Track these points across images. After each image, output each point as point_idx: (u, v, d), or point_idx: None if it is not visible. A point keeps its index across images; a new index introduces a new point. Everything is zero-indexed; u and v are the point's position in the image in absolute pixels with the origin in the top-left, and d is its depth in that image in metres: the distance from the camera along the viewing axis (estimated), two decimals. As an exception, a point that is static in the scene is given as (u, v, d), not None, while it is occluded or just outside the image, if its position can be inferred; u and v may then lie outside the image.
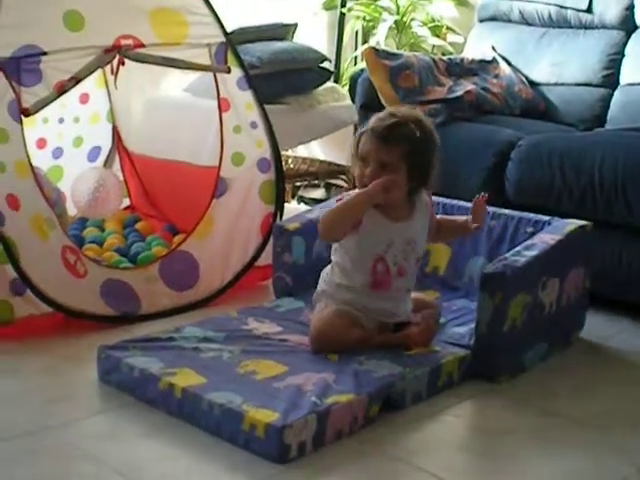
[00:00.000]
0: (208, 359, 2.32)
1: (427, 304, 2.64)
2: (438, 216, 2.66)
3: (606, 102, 3.76)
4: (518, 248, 2.57)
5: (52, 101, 2.74)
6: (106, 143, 3.82)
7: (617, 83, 3.77)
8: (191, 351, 2.37)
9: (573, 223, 2.72)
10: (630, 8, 3.79)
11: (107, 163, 3.83)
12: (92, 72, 2.84)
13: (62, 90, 2.75)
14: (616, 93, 3.75)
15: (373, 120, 2.45)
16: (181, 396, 2.14)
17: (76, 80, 2.78)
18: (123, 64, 2.94)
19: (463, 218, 2.63)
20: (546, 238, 2.61)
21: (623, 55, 3.78)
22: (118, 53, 2.87)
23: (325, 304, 2.50)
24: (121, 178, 3.82)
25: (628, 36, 3.78)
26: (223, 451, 2.01)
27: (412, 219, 2.49)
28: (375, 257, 2.45)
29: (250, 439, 1.99)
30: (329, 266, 2.57)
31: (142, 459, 1.96)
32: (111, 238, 3.38)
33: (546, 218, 2.82)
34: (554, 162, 3.06)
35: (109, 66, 2.96)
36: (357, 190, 2.45)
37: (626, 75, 3.75)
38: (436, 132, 2.48)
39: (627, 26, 3.80)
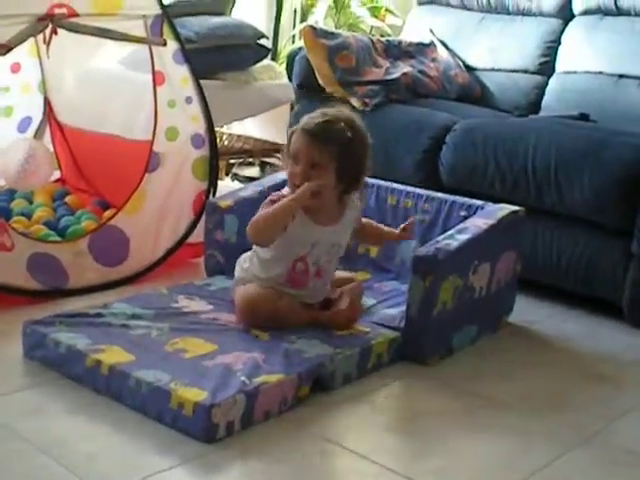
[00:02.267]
0: (136, 336, 2.29)
1: (348, 280, 2.63)
2: (364, 220, 2.65)
3: (541, 89, 3.80)
4: (451, 232, 2.58)
5: (-19, 69, 2.68)
6: (37, 114, 3.74)
7: (553, 71, 3.81)
8: (119, 328, 2.33)
9: (506, 208, 2.74)
10: (568, -3, 3.83)
11: (38, 134, 3.74)
12: (24, 41, 2.77)
13: (-8, 58, 2.68)
14: (551, 81, 3.80)
15: (305, 119, 2.43)
16: (108, 373, 2.11)
17: (7, 48, 2.71)
18: (56, 33, 2.88)
19: (388, 229, 2.64)
20: (479, 222, 2.63)
21: (559, 43, 3.82)
22: (51, 22, 2.81)
23: (244, 286, 2.49)
24: (52, 150, 3.75)
25: (565, 24, 3.83)
26: (150, 430, 1.98)
27: (340, 223, 2.49)
28: (296, 257, 2.45)
29: (178, 418, 1.97)
30: (247, 254, 2.56)
31: (67, 437, 1.93)
32: (40, 211, 3.32)
33: (479, 202, 2.84)
34: (488, 147, 3.08)
35: (42, 35, 2.89)
36: (286, 190, 2.44)
37: (562, 63, 3.79)
38: (367, 135, 2.45)
39: (564, 15, 3.84)
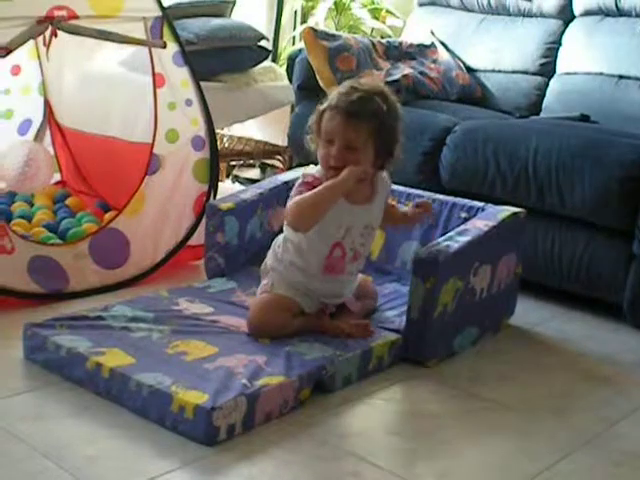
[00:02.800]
0: (137, 339, 2.29)
1: (368, 294, 2.62)
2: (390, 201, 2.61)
3: (542, 90, 3.80)
4: (451, 233, 2.57)
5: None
6: (37, 116, 3.74)
7: (554, 72, 3.81)
8: (120, 330, 2.33)
9: (506, 210, 2.74)
10: (568, -2, 3.83)
11: (38, 137, 3.74)
12: (24, 43, 2.77)
13: (-8, 60, 2.68)
14: (552, 82, 3.79)
15: (335, 96, 2.33)
16: (109, 376, 2.11)
17: (7, 51, 2.70)
18: (56, 35, 2.87)
19: (408, 209, 2.59)
20: (479, 224, 2.62)
21: (560, 44, 3.82)
22: (51, 24, 2.81)
23: (271, 284, 2.45)
24: (52, 152, 3.75)
25: (566, 25, 3.83)
26: (151, 433, 1.98)
27: (372, 202, 2.43)
28: (333, 242, 2.40)
29: (179, 421, 1.97)
30: (280, 237, 2.50)
31: (68, 440, 1.93)
32: (40, 213, 3.31)
33: (480, 204, 2.83)
34: (489, 149, 3.08)
35: (42, 37, 2.89)
36: (318, 171, 2.37)
37: (562, 64, 3.79)
38: (398, 104, 2.40)
39: (565, 16, 3.84)
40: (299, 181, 2.37)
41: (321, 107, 2.36)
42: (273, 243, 2.55)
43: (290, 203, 2.33)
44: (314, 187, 2.31)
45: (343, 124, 2.29)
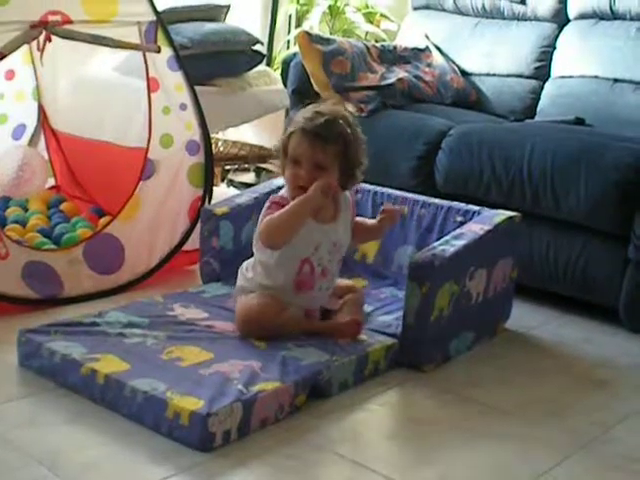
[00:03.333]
0: (132, 345, 2.28)
1: (350, 289, 2.62)
2: (358, 219, 2.61)
3: (537, 94, 3.80)
4: (447, 237, 2.57)
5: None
6: (31, 121, 3.73)
7: (548, 75, 3.81)
8: (115, 336, 2.32)
9: (502, 214, 2.74)
10: (563, 1, 3.84)
11: (32, 142, 3.73)
12: (18, 48, 2.76)
13: (-14, 65, 2.67)
14: (547, 85, 3.79)
15: (300, 119, 2.40)
16: (104, 382, 2.10)
17: (1, 55, 2.69)
18: (50, 40, 2.87)
19: (373, 221, 2.61)
20: (475, 228, 2.62)
21: (555, 48, 3.81)
22: (45, 29, 2.80)
23: (246, 295, 2.47)
24: (46, 157, 3.74)
25: (560, 29, 3.82)
26: (146, 439, 1.97)
27: (337, 221, 2.48)
28: (302, 259, 2.43)
29: (174, 427, 1.96)
30: (249, 262, 2.54)
31: (62, 447, 1.92)
32: (34, 219, 3.30)
33: (475, 208, 2.83)
34: (484, 152, 3.07)
35: (35, 42, 2.88)
36: (285, 192, 2.43)
37: (557, 68, 3.79)
38: (359, 129, 2.46)
39: (559, 19, 3.84)
40: (267, 204, 2.44)
41: (287, 131, 2.43)
42: (240, 268, 2.56)
43: (262, 224, 2.40)
44: (283, 207, 2.38)
45: (311, 146, 2.36)
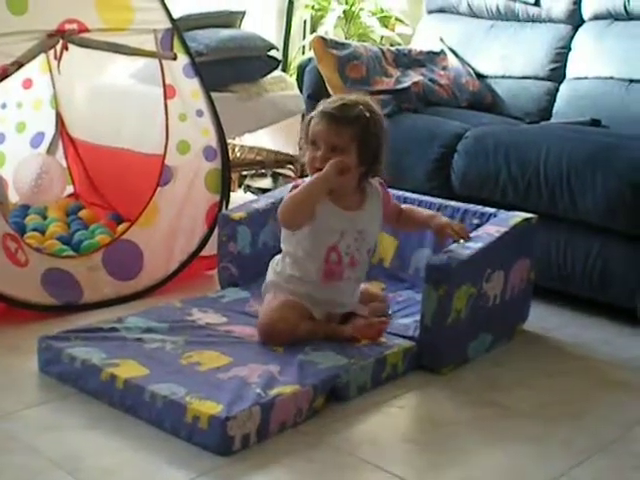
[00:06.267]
0: (151, 350, 2.29)
1: (375, 297, 2.64)
2: (405, 206, 2.68)
3: (552, 95, 3.80)
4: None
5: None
6: (49, 129, 3.76)
7: (563, 77, 3.80)
8: (134, 342, 2.34)
9: (518, 215, 2.73)
10: (577, 2, 3.83)
11: (50, 149, 3.76)
12: (35, 57, 2.78)
13: (4, 75, 2.68)
14: (562, 87, 3.79)
15: (322, 104, 2.45)
16: (123, 387, 2.11)
17: (19, 64, 2.72)
18: (67, 49, 2.89)
19: (430, 213, 2.65)
20: (491, 230, 2.62)
21: (570, 49, 3.81)
22: (62, 38, 2.82)
23: (274, 295, 2.48)
24: (64, 165, 3.77)
25: (575, 30, 3.82)
26: (166, 443, 1.98)
27: (362, 209, 2.49)
28: (328, 246, 2.44)
29: (193, 431, 1.97)
30: (278, 256, 2.56)
31: (83, 451, 1.93)
32: (53, 226, 3.33)
33: (492, 210, 2.83)
34: (500, 154, 3.07)
35: (53, 51, 2.91)
36: (309, 177, 2.45)
37: (572, 69, 3.78)
38: (383, 118, 2.48)
39: (574, 20, 3.83)
40: (289, 188, 2.51)
41: (309, 115, 2.49)
42: (270, 263, 2.58)
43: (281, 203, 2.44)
44: None
45: (326, 128, 2.40)
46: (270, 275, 2.56)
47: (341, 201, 2.45)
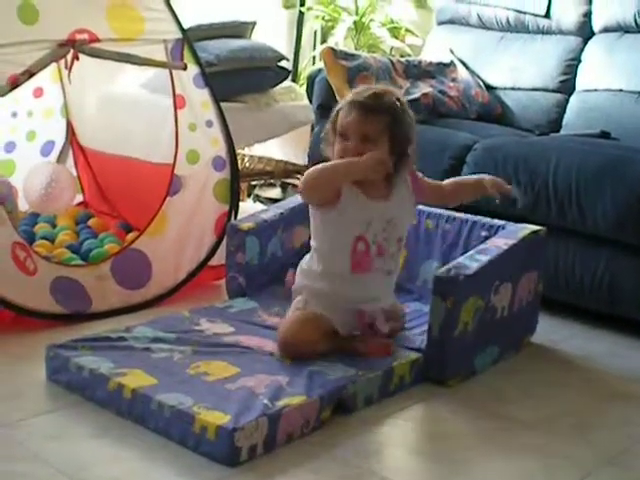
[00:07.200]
0: (159, 360, 2.30)
1: (396, 315, 2.60)
2: (447, 181, 2.66)
3: (562, 107, 3.79)
4: (471, 252, 2.57)
5: (5, 94, 2.69)
6: (60, 138, 3.77)
7: (573, 89, 3.80)
8: (142, 351, 2.34)
9: (527, 228, 2.73)
10: (587, 15, 3.82)
11: (60, 158, 3.78)
12: (46, 66, 2.79)
13: (15, 84, 2.69)
14: (572, 99, 3.78)
15: (350, 95, 2.43)
16: (131, 397, 2.12)
17: (30, 74, 2.73)
18: (77, 59, 2.91)
19: (475, 177, 2.67)
20: (500, 243, 2.62)
21: (580, 61, 3.81)
22: (72, 47, 2.83)
23: (304, 300, 2.46)
24: (74, 173, 3.78)
25: (585, 42, 3.82)
26: (173, 453, 1.98)
27: (390, 199, 2.46)
28: (355, 236, 2.42)
29: (200, 441, 1.97)
30: (307, 255, 2.55)
31: (89, 460, 1.93)
32: (63, 234, 3.34)
33: (500, 222, 2.83)
34: (509, 166, 3.07)
35: (63, 60, 2.93)
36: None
37: (582, 81, 3.78)
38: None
39: (584, 32, 3.83)
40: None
41: (336, 107, 2.45)
42: (300, 263, 2.57)
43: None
44: None
45: (359, 117, 2.37)
46: (299, 277, 2.54)
47: (368, 190, 2.42)
